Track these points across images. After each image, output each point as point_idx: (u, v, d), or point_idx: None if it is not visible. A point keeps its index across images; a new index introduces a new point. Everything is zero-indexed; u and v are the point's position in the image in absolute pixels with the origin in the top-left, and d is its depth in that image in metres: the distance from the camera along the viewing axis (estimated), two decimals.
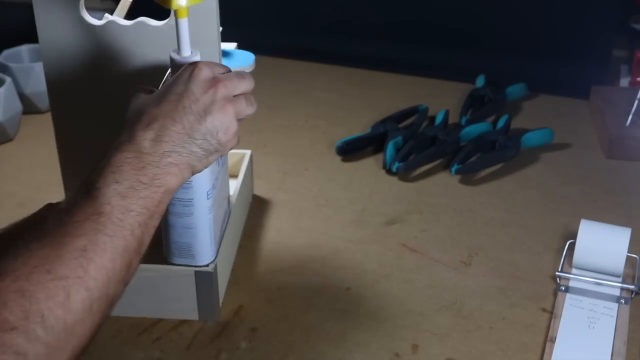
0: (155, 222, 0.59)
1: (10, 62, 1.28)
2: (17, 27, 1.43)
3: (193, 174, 0.63)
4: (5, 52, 1.31)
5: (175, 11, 0.71)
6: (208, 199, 0.78)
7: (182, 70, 0.65)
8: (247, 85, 0.68)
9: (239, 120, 0.66)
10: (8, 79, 1.19)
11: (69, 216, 0.55)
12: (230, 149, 0.66)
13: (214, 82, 0.64)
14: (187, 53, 0.73)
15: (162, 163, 0.59)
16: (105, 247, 0.54)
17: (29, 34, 1.29)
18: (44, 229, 0.54)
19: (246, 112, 0.67)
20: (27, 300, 0.49)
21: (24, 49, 1.33)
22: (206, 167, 0.64)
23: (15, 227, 0.61)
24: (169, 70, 0.75)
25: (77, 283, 0.51)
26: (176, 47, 0.72)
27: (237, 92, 0.66)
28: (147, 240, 0.59)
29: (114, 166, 0.57)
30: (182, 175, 0.61)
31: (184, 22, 0.72)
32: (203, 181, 0.77)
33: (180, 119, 0.61)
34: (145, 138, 0.60)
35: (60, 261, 0.51)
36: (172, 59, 0.73)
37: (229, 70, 0.68)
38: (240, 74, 0.68)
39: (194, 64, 0.65)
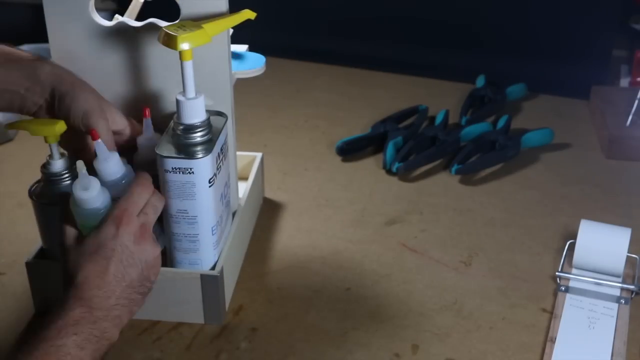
0: None
1: None
2: (17, 27, 1.44)
3: (131, 317, 0.68)
4: None
5: (179, 54, 0.71)
6: (213, 234, 0.79)
7: (108, 223, 0.68)
8: (162, 205, 0.73)
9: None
10: None
11: None
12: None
13: (142, 230, 0.69)
14: (192, 95, 0.73)
15: (110, 316, 0.65)
16: None
17: (29, 34, 1.29)
18: None
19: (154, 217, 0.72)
20: None
21: (24, 49, 1.33)
22: (141, 308, 0.70)
23: None
24: (175, 116, 0.76)
25: None
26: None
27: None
28: None
29: (71, 319, 0.62)
30: (123, 324, 0.67)
31: (188, 65, 0.72)
32: (207, 217, 0.77)
33: (122, 275, 0.67)
34: (94, 295, 0.65)
35: None
36: (178, 101, 0.73)
37: (148, 180, 0.72)
38: (153, 203, 0.71)
39: (119, 216, 0.68)
